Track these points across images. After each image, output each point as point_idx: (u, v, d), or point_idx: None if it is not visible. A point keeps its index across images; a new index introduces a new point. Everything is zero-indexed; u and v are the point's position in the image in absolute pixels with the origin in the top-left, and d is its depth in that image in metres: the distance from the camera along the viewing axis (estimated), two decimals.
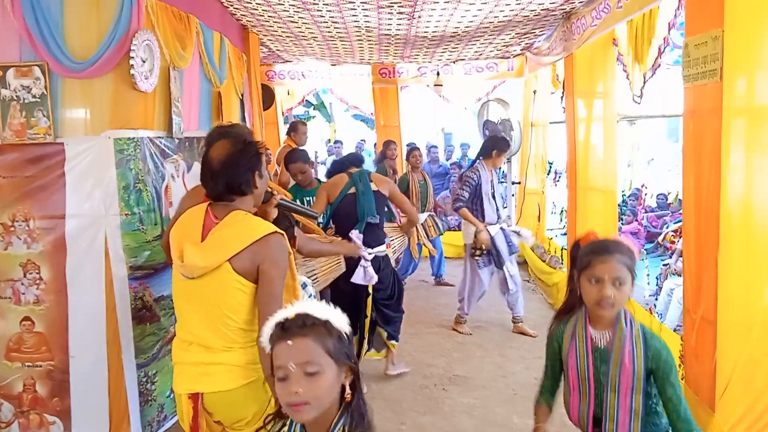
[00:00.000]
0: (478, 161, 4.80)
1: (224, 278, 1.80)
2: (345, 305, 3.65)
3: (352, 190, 3.69)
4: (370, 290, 3.71)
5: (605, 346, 1.77)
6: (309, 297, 2.37)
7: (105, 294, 2.71)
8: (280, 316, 1.25)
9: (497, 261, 4.66)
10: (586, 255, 1.77)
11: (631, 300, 4.19)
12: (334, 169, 3.86)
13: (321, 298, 3.47)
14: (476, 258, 4.67)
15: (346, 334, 1.26)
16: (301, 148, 5.13)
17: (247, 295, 1.82)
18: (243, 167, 1.87)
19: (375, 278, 3.63)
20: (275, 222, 2.05)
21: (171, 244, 1.91)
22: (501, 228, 4.73)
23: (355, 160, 3.88)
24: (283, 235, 1.87)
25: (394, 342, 3.93)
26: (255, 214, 2.02)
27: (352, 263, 3.52)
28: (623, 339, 1.74)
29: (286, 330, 1.22)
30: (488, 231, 4.64)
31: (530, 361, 4.24)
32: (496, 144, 4.79)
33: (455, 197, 4.70)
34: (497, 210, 4.74)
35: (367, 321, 3.75)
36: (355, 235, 3.55)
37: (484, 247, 4.62)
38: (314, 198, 3.86)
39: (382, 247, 3.71)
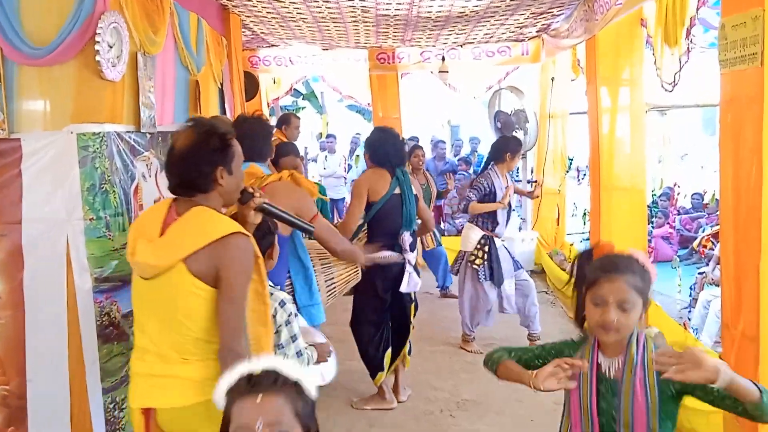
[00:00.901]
0: (489, 167, 4.80)
1: (179, 280, 1.82)
2: (385, 314, 3.71)
3: (397, 190, 3.78)
4: (413, 296, 3.96)
5: (614, 376, 1.75)
6: (289, 316, 2.36)
7: (67, 309, 2.70)
8: (245, 368, 1.24)
9: (495, 276, 4.66)
10: (593, 271, 1.76)
11: (662, 312, 4.21)
12: (378, 158, 3.82)
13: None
14: (475, 267, 4.68)
15: (312, 399, 1.26)
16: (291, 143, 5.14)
17: (204, 300, 1.83)
18: (202, 161, 1.89)
19: (419, 284, 3.83)
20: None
21: (128, 239, 1.94)
22: (504, 246, 4.78)
23: (402, 156, 3.90)
24: (248, 236, 1.87)
25: (409, 357, 4.10)
26: (233, 216, 2.04)
27: (397, 270, 3.73)
28: (634, 366, 1.72)
29: (255, 384, 1.20)
30: (494, 243, 4.66)
31: None
32: (507, 145, 4.81)
33: (461, 199, 4.74)
34: (507, 221, 4.79)
35: (413, 329, 4.02)
36: (407, 237, 3.71)
37: (485, 258, 4.62)
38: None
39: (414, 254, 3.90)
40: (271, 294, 2.31)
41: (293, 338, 2.36)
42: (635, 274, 1.71)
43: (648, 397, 1.69)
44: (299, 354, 2.38)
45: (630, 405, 1.70)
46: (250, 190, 2.08)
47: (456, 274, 4.98)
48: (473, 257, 4.70)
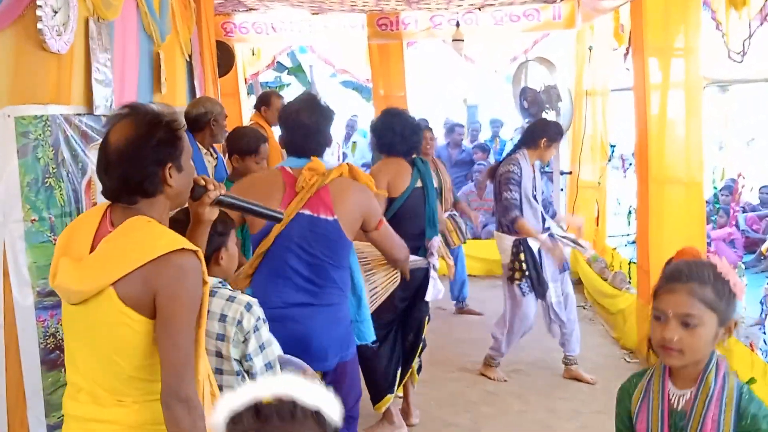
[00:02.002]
0: (518, 151, 4.76)
1: (107, 308, 1.78)
2: (398, 326, 3.78)
3: (419, 183, 3.85)
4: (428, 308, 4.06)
5: (683, 407, 1.75)
6: (257, 321, 2.36)
7: (4, 330, 2.70)
8: (250, 394, 1.17)
9: (537, 286, 4.64)
10: (659, 280, 1.77)
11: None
12: (394, 146, 3.89)
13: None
14: (517, 282, 4.65)
15: (337, 428, 1.20)
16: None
17: (137, 333, 1.80)
18: (146, 158, 1.83)
19: (443, 291, 3.91)
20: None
21: (53, 257, 1.91)
22: (550, 235, 4.72)
23: (418, 140, 3.97)
24: (195, 253, 1.83)
25: (417, 376, 4.22)
26: (187, 218, 2.04)
27: (421, 276, 3.81)
28: (708, 400, 1.71)
29: (266, 419, 1.14)
30: (528, 246, 4.62)
31: (587, 417, 4.23)
32: (545, 130, 4.77)
33: (505, 204, 4.61)
34: (542, 215, 4.73)
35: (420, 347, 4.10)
36: (436, 242, 3.81)
37: (525, 268, 4.61)
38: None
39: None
40: (234, 297, 2.32)
41: (261, 347, 2.36)
42: (705, 283, 1.69)
43: None
44: (269, 366, 2.38)
45: None
46: (201, 182, 2.04)
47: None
48: (510, 272, 4.66)
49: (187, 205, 2.09)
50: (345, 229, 2.83)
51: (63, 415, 2.67)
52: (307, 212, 2.78)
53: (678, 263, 1.78)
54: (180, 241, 1.81)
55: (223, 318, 2.30)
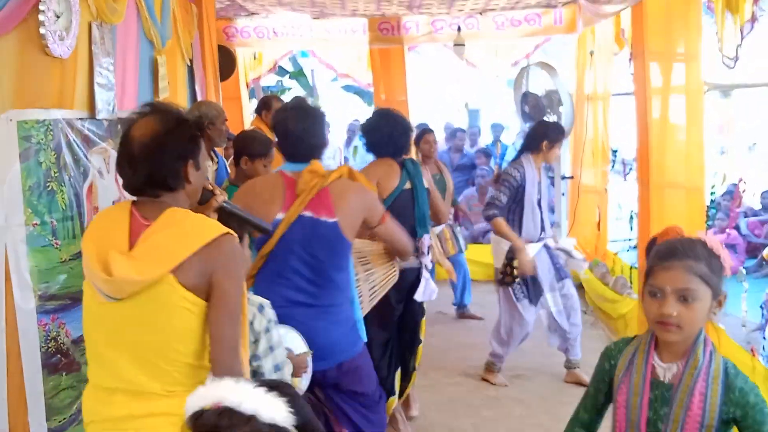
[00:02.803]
0: (522, 155, 4.75)
1: (167, 296, 1.83)
2: (393, 328, 3.85)
3: (408, 185, 3.87)
4: (424, 308, 4.11)
5: (670, 380, 1.78)
6: (269, 323, 2.39)
7: (5, 333, 2.70)
8: (197, 401, 1.27)
9: (532, 292, 4.64)
10: (650, 259, 1.79)
11: (723, 334, 4.20)
12: (381, 146, 3.93)
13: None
14: (508, 285, 4.65)
15: (278, 426, 1.28)
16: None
17: (196, 316, 1.86)
18: (172, 154, 1.91)
19: (436, 291, 3.91)
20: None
21: (86, 255, 1.92)
22: (545, 246, 4.72)
23: (406, 140, 4.01)
24: (236, 237, 1.93)
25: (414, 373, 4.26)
26: None
27: (413, 277, 3.86)
28: (696, 374, 1.74)
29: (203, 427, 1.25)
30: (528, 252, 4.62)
31: None
32: (545, 132, 4.75)
33: (489, 201, 4.65)
34: (542, 223, 4.70)
35: (420, 347, 4.18)
36: (426, 240, 3.82)
37: (517, 274, 4.59)
38: None
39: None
40: (247, 299, 2.35)
41: (271, 348, 2.40)
42: (699, 259, 1.72)
43: (705, 412, 1.71)
44: (277, 368, 2.42)
45: (682, 417, 1.72)
46: (209, 187, 2.13)
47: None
48: (501, 276, 4.65)
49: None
50: (345, 230, 2.85)
51: (64, 419, 2.69)
52: (308, 214, 2.81)
53: (671, 241, 1.80)
54: (223, 227, 1.90)
55: None
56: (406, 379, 4.09)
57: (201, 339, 1.88)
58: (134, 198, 2.00)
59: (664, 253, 1.75)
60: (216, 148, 4.35)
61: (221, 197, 2.14)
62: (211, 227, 1.89)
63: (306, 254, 2.83)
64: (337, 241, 2.86)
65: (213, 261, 1.84)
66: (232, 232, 1.91)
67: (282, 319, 2.72)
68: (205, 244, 1.83)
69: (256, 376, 2.37)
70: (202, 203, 2.11)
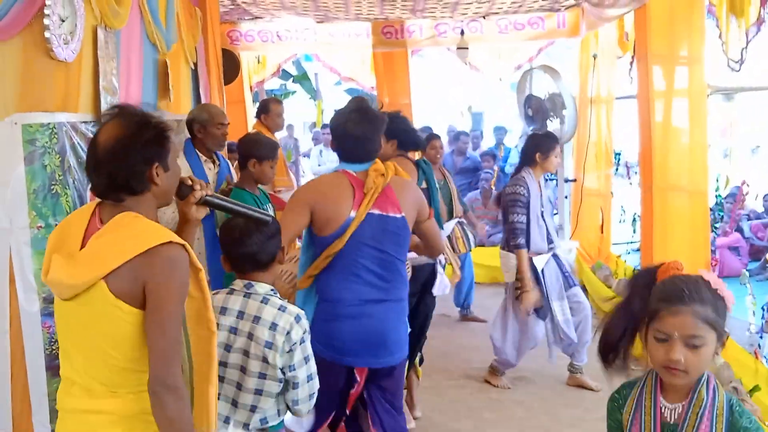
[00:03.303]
0: (523, 170, 4.73)
1: (100, 302, 1.83)
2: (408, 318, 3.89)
3: (424, 184, 4.00)
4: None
5: (674, 420, 1.77)
6: (304, 333, 2.40)
7: (10, 335, 2.71)
8: None
9: (541, 308, 4.61)
10: (655, 301, 1.76)
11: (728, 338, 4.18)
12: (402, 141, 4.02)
13: None
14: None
15: None
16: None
17: (129, 324, 1.85)
18: (134, 157, 1.90)
19: (448, 287, 4.04)
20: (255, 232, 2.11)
21: (46, 252, 1.95)
22: (554, 255, 4.71)
23: (418, 138, 4.14)
24: (182, 246, 1.89)
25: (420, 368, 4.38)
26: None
27: (428, 272, 4.01)
28: (700, 414, 1.73)
29: None
30: (533, 265, 4.60)
31: (591, 424, 4.22)
32: (536, 144, 4.72)
33: (511, 228, 4.59)
34: (548, 234, 4.69)
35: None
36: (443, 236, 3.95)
37: (521, 307, 4.61)
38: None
39: None
40: (285, 308, 2.39)
41: (306, 359, 2.42)
42: (705, 303, 1.70)
43: None
44: (310, 378, 2.44)
45: None
46: (188, 182, 2.11)
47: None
48: (518, 291, 4.63)
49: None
50: (410, 224, 2.96)
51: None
52: (376, 212, 2.87)
53: (675, 282, 1.77)
54: (167, 235, 1.86)
55: (273, 327, 2.35)
56: (409, 368, 4.11)
57: (136, 346, 1.87)
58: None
59: (671, 296, 1.73)
60: (219, 151, 4.34)
61: (201, 192, 2.13)
62: (153, 235, 1.86)
63: (375, 250, 2.88)
64: (405, 235, 2.95)
65: (147, 270, 1.82)
66: (179, 240, 1.88)
67: (357, 317, 2.84)
68: (141, 253, 1.82)
69: (290, 383, 2.41)
70: (182, 198, 2.12)
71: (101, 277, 1.81)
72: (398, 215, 2.89)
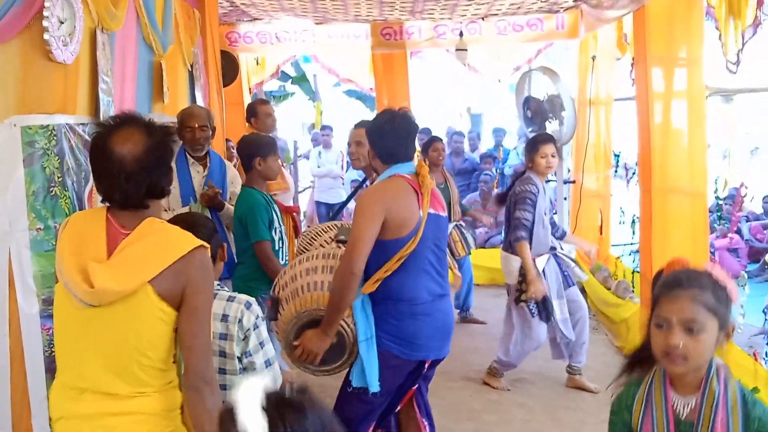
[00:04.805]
0: (529, 173, 4.74)
1: (143, 305, 1.89)
2: None
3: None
4: None
5: (688, 416, 1.76)
6: (257, 318, 2.44)
7: (9, 338, 2.71)
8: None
9: (542, 309, 4.62)
10: (656, 290, 1.79)
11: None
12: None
13: None
14: (524, 303, 4.62)
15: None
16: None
17: (168, 325, 1.94)
18: (166, 165, 2.00)
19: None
20: (194, 229, 2.13)
21: (63, 264, 1.93)
22: (554, 255, 4.71)
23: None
24: (208, 249, 2.00)
25: None
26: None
27: None
28: (715, 406, 1.72)
29: None
30: (537, 267, 4.59)
31: (592, 426, 4.23)
32: (527, 147, 4.80)
33: (515, 222, 4.59)
34: (549, 232, 4.71)
35: None
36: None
37: (526, 298, 4.58)
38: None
39: None
40: (234, 297, 2.44)
41: (261, 344, 2.45)
42: (705, 289, 1.71)
43: None
44: (268, 363, 2.47)
45: None
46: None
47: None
48: (518, 293, 4.63)
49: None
50: None
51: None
52: (431, 211, 3.00)
53: (676, 272, 1.79)
54: (196, 239, 1.97)
55: (225, 318, 2.39)
56: None
57: (169, 346, 1.96)
58: (107, 204, 2.01)
59: (670, 283, 1.75)
60: (197, 154, 4.29)
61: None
62: (186, 240, 1.96)
63: (436, 248, 3.05)
64: (447, 232, 3.13)
65: (186, 273, 1.91)
66: (205, 244, 1.98)
67: (432, 313, 2.97)
68: (181, 257, 1.90)
69: (248, 371, 2.44)
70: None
71: (148, 280, 1.88)
72: (444, 214, 3.09)
